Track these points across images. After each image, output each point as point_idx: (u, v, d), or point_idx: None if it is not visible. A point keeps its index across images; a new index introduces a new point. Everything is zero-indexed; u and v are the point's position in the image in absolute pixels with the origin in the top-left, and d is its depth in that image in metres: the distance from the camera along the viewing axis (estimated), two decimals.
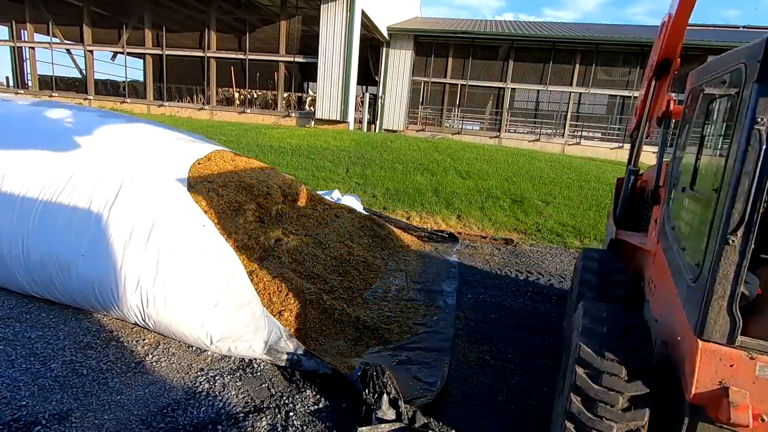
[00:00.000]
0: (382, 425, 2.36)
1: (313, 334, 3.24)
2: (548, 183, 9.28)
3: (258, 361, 2.92)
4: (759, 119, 1.50)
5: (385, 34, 19.60)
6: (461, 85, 20.44)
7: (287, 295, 3.40)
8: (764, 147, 1.48)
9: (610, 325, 1.99)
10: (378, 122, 20.36)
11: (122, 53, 21.42)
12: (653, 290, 2.45)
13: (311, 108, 19.57)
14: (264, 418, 2.44)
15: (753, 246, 1.56)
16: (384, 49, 20.26)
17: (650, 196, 2.67)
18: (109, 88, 22.55)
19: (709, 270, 1.62)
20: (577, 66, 19.28)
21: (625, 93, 19.35)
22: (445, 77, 20.48)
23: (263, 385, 2.72)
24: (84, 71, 21.73)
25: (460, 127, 21.07)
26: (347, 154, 10.67)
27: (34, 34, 21.91)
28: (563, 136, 19.96)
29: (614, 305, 2.45)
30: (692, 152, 2.19)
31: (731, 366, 1.61)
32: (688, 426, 1.70)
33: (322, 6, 16.74)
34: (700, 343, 1.63)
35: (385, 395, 2.48)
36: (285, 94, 19.66)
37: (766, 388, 1.59)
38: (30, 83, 22.33)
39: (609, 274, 3.03)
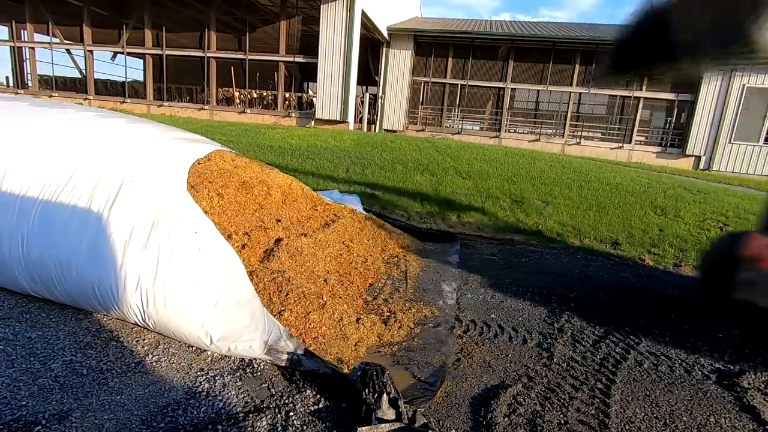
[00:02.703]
0: (382, 425, 2.36)
1: (313, 334, 3.24)
2: (548, 183, 9.28)
3: (258, 361, 2.92)
4: None
5: (385, 34, 19.60)
6: (461, 85, 20.44)
7: (287, 295, 3.40)
8: None
9: None
10: (378, 122, 20.36)
11: (122, 53, 21.42)
12: None
13: (311, 108, 19.57)
14: (264, 418, 2.44)
15: None
16: (384, 49, 20.26)
17: None
18: (109, 88, 22.55)
19: None
20: (577, 66, 19.28)
21: (625, 93, 19.34)
22: (445, 77, 20.48)
23: (263, 385, 2.72)
24: (84, 71, 21.72)
25: (460, 127, 21.08)
26: (347, 154, 10.66)
27: (34, 34, 21.90)
28: (563, 136, 19.96)
29: None
30: None
31: None
32: None
33: (322, 6, 16.75)
34: None
35: (385, 395, 2.48)
36: (285, 94, 19.66)
37: None
38: (30, 83, 22.33)
39: None
